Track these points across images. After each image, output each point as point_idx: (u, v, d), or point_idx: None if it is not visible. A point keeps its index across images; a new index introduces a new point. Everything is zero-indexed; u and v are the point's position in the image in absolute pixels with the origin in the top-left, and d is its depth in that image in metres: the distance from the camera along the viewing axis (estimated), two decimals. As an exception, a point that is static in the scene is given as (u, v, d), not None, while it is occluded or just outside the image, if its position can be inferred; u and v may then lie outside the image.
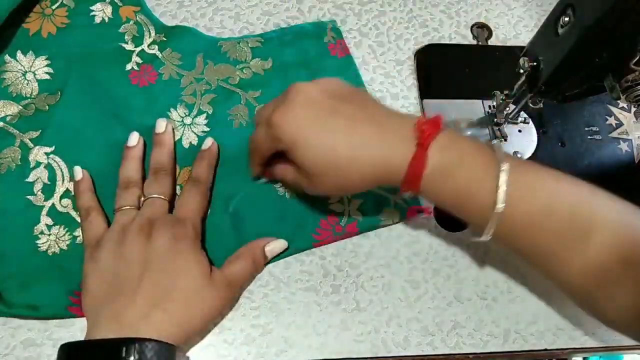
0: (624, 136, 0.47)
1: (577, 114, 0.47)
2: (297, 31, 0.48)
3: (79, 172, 0.39)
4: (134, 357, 0.28)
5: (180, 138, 0.42)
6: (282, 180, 0.39)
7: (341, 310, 0.38)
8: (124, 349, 0.28)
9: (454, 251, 0.41)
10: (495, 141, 0.36)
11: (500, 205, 0.31)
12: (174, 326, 0.32)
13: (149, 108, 0.43)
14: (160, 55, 0.45)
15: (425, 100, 0.46)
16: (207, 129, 0.43)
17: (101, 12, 0.46)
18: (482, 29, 0.52)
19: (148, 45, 0.46)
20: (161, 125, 0.41)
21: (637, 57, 0.31)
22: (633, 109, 0.48)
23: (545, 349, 0.39)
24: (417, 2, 0.52)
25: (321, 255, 0.40)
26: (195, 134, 0.43)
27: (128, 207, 0.37)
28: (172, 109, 0.43)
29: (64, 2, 0.46)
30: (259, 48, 0.47)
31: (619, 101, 0.45)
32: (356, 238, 0.41)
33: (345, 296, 0.39)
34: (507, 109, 0.43)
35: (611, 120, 0.47)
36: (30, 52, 0.44)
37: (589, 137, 0.46)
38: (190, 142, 0.42)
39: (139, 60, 0.45)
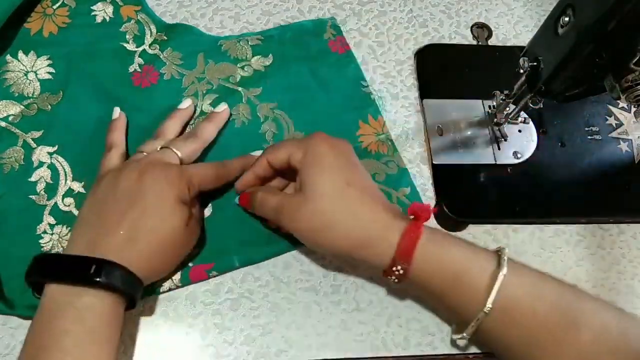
0: (624, 136, 0.47)
1: (577, 114, 0.47)
2: (297, 28, 0.48)
3: (116, 111, 0.41)
4: (102, 278, 0.30)
5: None
6: (259, 200, 0.37)
7: (341, 310, 0.38)
8: (94, 266, 0.30)
9: (454, 251, 0.41)
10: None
11: (489, 306, 0.31)
12: (143, 261, 0.33)
13: (151, 109, 0.43)
14: (161, 56, 0.45)
15: (425, 100, 0.46)
16: None
17: (102, 11, 0.47)
18: (482, 29, 0.52)
19: (149, 45, 0.46)
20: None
21: (637, 57, 0.31)
22: (633, 109, 0.48)
23: (545, 349, 0.39)
24: (417, 2, 0.52)
25: (321, 255, 0.40)
26: None
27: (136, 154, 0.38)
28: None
29: (65, 1, 0.47)
30: (259, 46, 0.47)
31: (619, 101, 0.45)
32: (356, 238, 0.41)
33: (345, 296, 0.39)
34: (507, 109, 0.43)
35: (611, 120, 0.47)
36: (32, 51, 0.44)
37: (589, 137, 0.46)
38: None
39: (141, 61, 0.45)
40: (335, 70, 0.47)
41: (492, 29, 0.52)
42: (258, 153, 0.40)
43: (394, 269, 0.32)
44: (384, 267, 0.33)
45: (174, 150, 0.38)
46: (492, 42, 0.51)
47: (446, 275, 0.32)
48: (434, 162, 0.44)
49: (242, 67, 0.46)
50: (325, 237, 0.33)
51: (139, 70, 0.45)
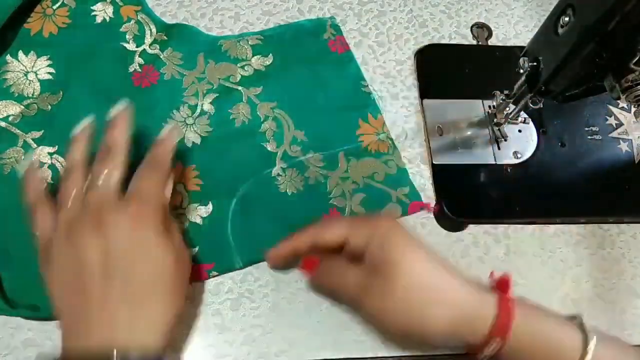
0: (624, 136, 0.47)
1: (577, 114, 0.47)
2: (297, 28, 0.48)
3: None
4: None
5: (183, 138, 0.42)
6: (337, 274, 0.34)
7: (341, 310, 0.38)
8: None
9: (454, 251, 0.41)
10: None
11: None
12: (152, 325, 0.30)
13: (151, 109, 0.43)
14: (161, 56, 0.45)
15: (425, 100, 0.46)
16: (209, 129, 0.43)
17: (102, 11, 0.47)
18: (482, 29, 0.52)
19: (149, 45, 0.46)
20: (117, 107, 0.36)
21: (637, 57, 0.31)
22: (633, 109, 0.48)
23: (545, 349, 0.39)
24: (417, 2, 0.52)
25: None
26: (197, 133, 0.43)
27: (70, 199, 0.32)
28: (174, 111, 0.43)
29: (64, 1, 0.47)
30: (259, 45, 0.47)
31: (619, 101, 0.45)
32: (356, 238, 0.41)
33: (345, 296, 0.39)
34: (507, 109, 0.43)
35: (611, 120, 0.47)
36: (32, 52, 0.44)
37: (589, 137, 0.46)
38: (193, 142, 0.42)
39: (141, 61, 0.45)
40: (335, 70, 0.47)
41: (492, 29, 0.52)
42: (168, 128, 0.36)
43: (489, 345, 0.30)
44: (477, 343, 0.31)
45: (104, 178, 0.32)
46: (492, 42, 0.51)
47: (539, 348, 0.31)
48: (434, 162, 0.44)
49: (242, 67, 0.46)
50: (423, 316, 0.30)
51: (139, 70, 0.45)
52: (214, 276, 0.38)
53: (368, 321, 0.35)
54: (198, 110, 0.44)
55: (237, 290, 0.38)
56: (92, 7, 0.47)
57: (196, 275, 0.38)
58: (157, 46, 0.46)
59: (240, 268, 0.39)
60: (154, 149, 0.36)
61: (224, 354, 0.36)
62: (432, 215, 0.42)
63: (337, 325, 0.38)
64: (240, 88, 0.45)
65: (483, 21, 0.52)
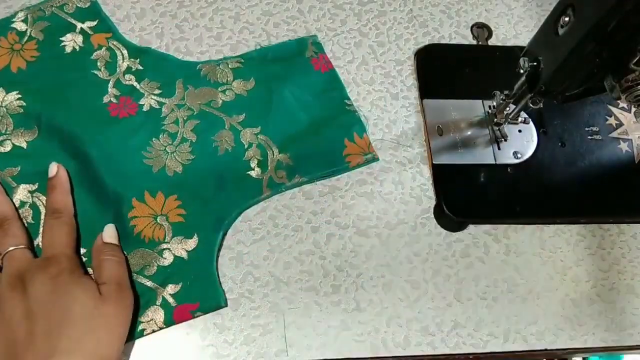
0: (624, 136, 0.47)
1: (577, 114, 0.47)
2: (278, 49, 0.47)
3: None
4: None
5: (164, 167, 0.41)
6: None
7: (341, 310, 0.39)
8: None
9: (454, 251, 0.41)
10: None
11: None
12: None
13: (129, 139, 0.42)
14: (138, 87, 0.44)
15: (425, 100, 0.46)
16: (191, 157, 0.42)
17: (72, 41, 0.45)
18: (482, 29, 0.52)
19: (123, 73, 0.44)
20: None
21: (637, 57, 0.31)
22: (633, 109, 0.48)
23: (545, 349, 0.39)
24: (417, 2, 0.52)
25: (321, 255, 0.40)
26: (179, 162, 0.41)
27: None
28: (154, 139, 0.42)
29: (32, 34, 0.45)
30: (239, 69, 0.46)
31: (619, 101, 0.45)
32: (356, 238, 0.41)
33: (345, 296, 0.39)
34: (507, 109, 0.43)
35: (611, 121, 0.47)
36: (0, 88, 0.42)
37: (589, 137, 0.46)
38: (175, 171, 0.41)
39: (116, 92, 0.43)
40: (319, 89, 0.45)
41: (492, 29, 0.52)
42: (53, 168, 0.39)
43: None
44: None
45: (16, 247, 0.35)
46: (492, 42, 0.51)
47: None
48: (434, 162, 0.44)
49: (224, 92, 0.44)
50: None
51: (115, 101, 0.43)
52: (199, 316, 0.37)
53: None
54: (179, 138, 0.42)
55: (237, 290, 0.38)
56: (61, 38, 0.45)
57: (180, 315, 0.37)
58: (133, 77, 0.44)
59: (225, 306, 0.38)
60: (49, 195, 0.38)
61: (224, 354, 0.36)
62: (432, 215, 0.42)
63: (337, 325, 0.38)
64: (222, 115, 0.43)
65: (483, 21, 0.52)
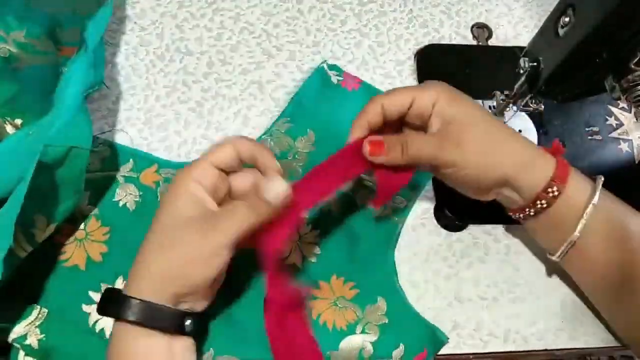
0: (624, 136, 0.47)
1: (577, 114, 0.47)
2: (306, 90, 0.46)
3: None
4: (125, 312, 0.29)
5: (306, 256, 0.39)
6: (408, 143, 0.34)
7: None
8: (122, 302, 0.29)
9: (454, 251, 0.41)
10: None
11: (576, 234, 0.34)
12: (151, 275, 0.30)
13: None
14: None
15: (425, 101, 0.46)
16: (317, 232, 0.40)
17: (125, 195, 0.40)
18: (482, 29, 0.52)
19: None
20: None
21: (638, 57, 0.31)
22: (633, 109, 0.48)
23: (545, 349, 0.39)
24: (417, 3, 0.52)
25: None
26: (313, 244, 0.40)
27: None
28: None
29: (88, 215, 0.39)
30: (292, 128, 0.44)
31: (619, 101, 0.45)
32: (356, 238, 0.41)
33: (346, 296, 0.39)
34: (508, 108, 0.43)
35: (611, 121, 0.47)
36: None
37: (589, 137, 0.46)
38: (314, 253, 0.39)
39: None
40: (363, 104, 0.42)
41: (492, 29, 0.52)
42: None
43: (549, 190, 0.33)
44: (536, 190, 0.34)
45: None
46: (492, 42, 0.51)
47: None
48: (434, 162, 0.44)
49: (294, 157, 0.42)
50: (494, 157, 0.34)
51: None
52: None
53: (445, 178, 0.36)
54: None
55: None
56: (114, 200, 0.39)
57: None
58: None
59: (447, 339, 0.38)
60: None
61: (224, 354, 0.36)
62: (432, 215, 0.42)
63: (337, 325, 0.38)
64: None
65: (483, 21, 0.52)
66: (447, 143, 0.33)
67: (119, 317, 0.29)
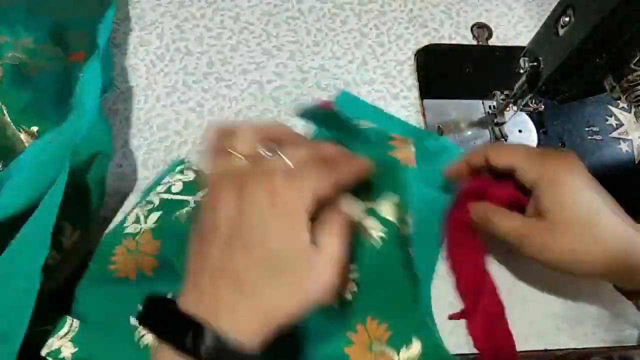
0: (624, 136, 0.47)
1: (577, 114, 0.47)
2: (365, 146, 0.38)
3: None
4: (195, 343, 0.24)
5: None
6: (496, 221, 0.34)
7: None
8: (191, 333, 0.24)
9: (454, 251, 0.41)
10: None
11: None
12: (256, 313, 0.25)
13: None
14: None
15: (425, 100, 0.46)
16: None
17: (186, 211, 0.38)
18: (482, 29, 0.52)
19: None
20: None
21: (638, 57, 0.31)
22: (633, 109, 0.48)
23: (545, 349, 0.39)
24: (417, 2, 0.52)
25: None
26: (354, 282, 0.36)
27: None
28: None
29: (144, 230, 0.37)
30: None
31: (619, 101, 0.45)
32: (356, 238, 0.41)
33: (346, 296, 0.39)
34: (508, 108, 0.43)
35: (611, 121, 0.47)
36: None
37: (589, 137, 0.46)
38: (353, 291, 0.36)
39: None
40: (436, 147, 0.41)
41: (492, 29, 0.52)
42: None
43: None
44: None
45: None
46: (492, 42, 0.51)
47: None
48: (434, 162, 0.44)
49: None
50: (583, 261, 0.32)
51: None
52: None
53: (527, 257, 0.34)
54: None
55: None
56: (173, 217, 0.38)
57: None
58: None
59: None
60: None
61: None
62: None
63: (337, 325, 0.38)
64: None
65: (483, 21, 0.52)
66: (532, 236, 0.33)
67: (186, 349, 0.24)
